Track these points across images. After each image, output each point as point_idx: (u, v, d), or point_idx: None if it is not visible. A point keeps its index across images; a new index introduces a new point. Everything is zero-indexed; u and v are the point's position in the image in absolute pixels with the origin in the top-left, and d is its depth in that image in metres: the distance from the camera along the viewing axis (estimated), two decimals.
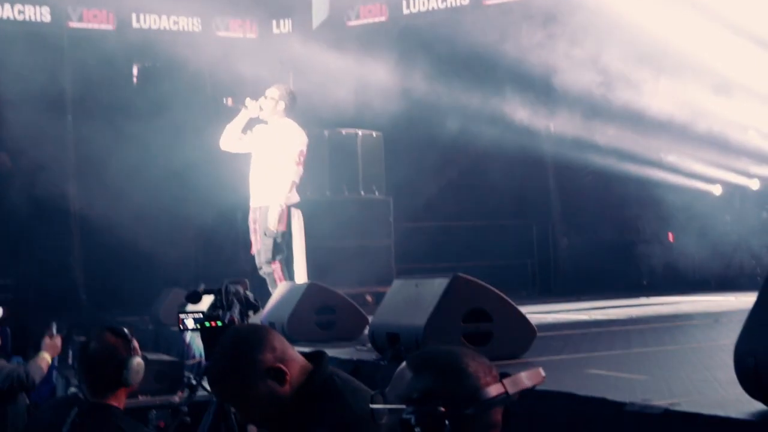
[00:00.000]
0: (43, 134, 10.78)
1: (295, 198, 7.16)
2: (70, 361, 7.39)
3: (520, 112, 11.42)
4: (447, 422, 1.70)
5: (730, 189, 12.70)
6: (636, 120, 11.13)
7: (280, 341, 2.57)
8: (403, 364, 1.85)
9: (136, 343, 3.60)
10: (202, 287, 3.99)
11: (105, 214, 10.39)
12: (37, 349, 5.84)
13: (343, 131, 11.20)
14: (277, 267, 6.99)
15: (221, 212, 10.67)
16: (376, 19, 13.90)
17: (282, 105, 7.10)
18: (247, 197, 7.32)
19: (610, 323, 6.45)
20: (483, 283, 4.26)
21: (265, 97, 7.12)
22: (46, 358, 5.68)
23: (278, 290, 6.44)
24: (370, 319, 5.85)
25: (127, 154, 10.72)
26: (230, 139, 7.24)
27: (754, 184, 12.36)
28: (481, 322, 4.13)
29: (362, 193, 11.21)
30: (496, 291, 4.25)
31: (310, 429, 2.45)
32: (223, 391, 2.59)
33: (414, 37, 12.76)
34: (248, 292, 3.93)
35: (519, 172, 12.60)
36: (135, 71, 13.11)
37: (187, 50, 11.93)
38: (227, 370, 2.51)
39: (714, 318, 6.35)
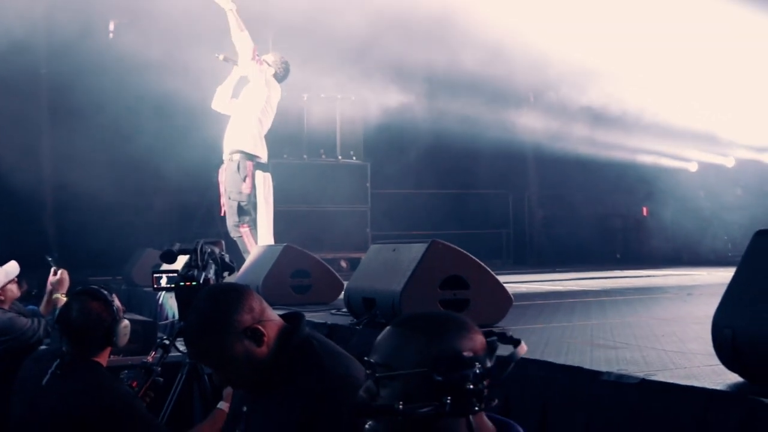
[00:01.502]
0: (15, 89, 10.58)
1: (262, 156, 7.13)
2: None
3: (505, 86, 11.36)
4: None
5: (706, 166, 12.79)
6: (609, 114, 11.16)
7: (258, 301, 2.54)
8: (401, 329, 1.78)
9: (118, 303, 3.58)
10: (177, 246, 3.95)
11: (78, 174, 10.25)
12: None
13: (323, 95, 11.11)
14: (246, 230, 6.95)
15: (196, 172, 10.56)
16: None
17: (272, 71, 7.21)
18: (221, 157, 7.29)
19: (584, 294, 6.49)
20: (460, 249, 4.24)
21: (260, 62, 7.18)
22: (61, 298, 5.45)
23: (253, 252, 6.40)
24: (345, 283, 5.84)
25: (101, 113, 10.57)
26: (222, 100, 7.33)
27: (729, 162, 12.46)
28: (458, 289, 4.11)
29: (340, 157, 11.15)
30: (474, 258, 4.23)
31: (287, 390, 2.42)
32: (199, 351, 2.55)
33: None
34: (224, 253, 3.88)
35: (498, 142, 12.56)
36: (111, 27, 12.87)
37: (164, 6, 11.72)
38: (204, 330, 2.47)
39: (687, 291, 6.40)
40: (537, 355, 3.13)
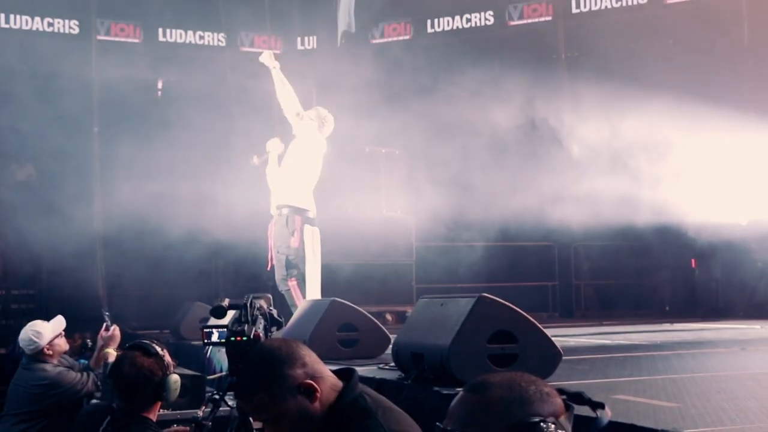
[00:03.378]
0: (69, 146, 10.85)
1: (311, 211, 7.22)
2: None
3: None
4: None
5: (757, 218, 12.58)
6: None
7: (310, 356, 2.54)
8: (477, 395, 1.69)
9: (168, 358, 3.60)
10: (227, 301, 3.98)
11: (127, 229, 10.42)
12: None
13: (367, 148, 11.21)
14: (293, 284, 7.03)
15: (242, 227, 10.68)
16: (401, 38, 13.97)
17: (315, 125, 7.33)
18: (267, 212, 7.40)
19: (634, 348, 6.38)
20: (508, 303, 4.22)
21: (300, 117, 7.31)
22: (111, 353, 5.53)
23: (300, 307, 6.43)
24: (391, 337, 5.83)
25: (149, 168, 10.77)
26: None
27: None
28: (507, 344, 4.08)
29: (384, 211, 11.20)
30: (522, 312, 4.20)
31: None
32: (252, 406, 2.55)
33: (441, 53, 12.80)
34: (272, 308, 3.91)
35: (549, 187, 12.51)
36: (159, 84, 13.22)
37: (211, 65, 12.02)
38: (257, 385, 2.47)
39: (740, 346, 6.27)
40: (589, 412, 3.08)
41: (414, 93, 11.54)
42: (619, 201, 11.99)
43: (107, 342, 5.60)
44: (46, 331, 5.64)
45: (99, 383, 5.51)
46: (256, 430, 3.74)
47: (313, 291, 7.14)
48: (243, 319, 3.97)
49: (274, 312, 4.06)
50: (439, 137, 11.62)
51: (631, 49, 12.53)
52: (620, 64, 12.07)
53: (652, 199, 11.80)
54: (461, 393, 1.72)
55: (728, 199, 11.53)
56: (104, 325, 5.59)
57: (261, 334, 3.91)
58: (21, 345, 5.60)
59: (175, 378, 3.55)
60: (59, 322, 5.74)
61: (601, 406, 1.70)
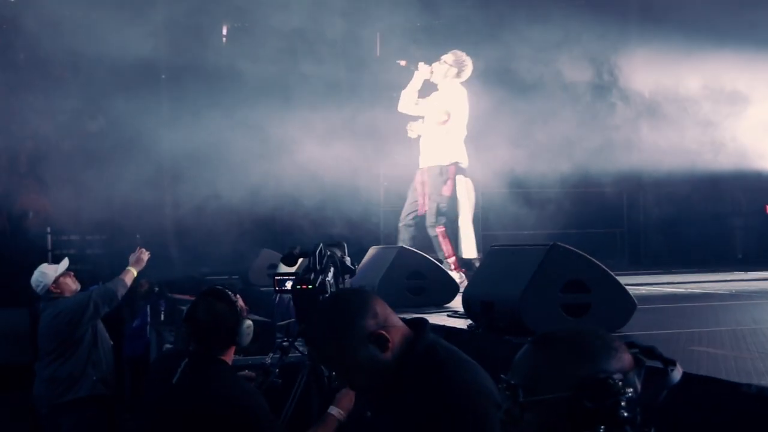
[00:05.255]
0: (138, 98, 10.95)
1: (463, 161, 7.30)
2: (162, 317, 7.59)
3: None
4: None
5: None
6: None
7: (382, 307, 2.53)
8: (544, 349, 1.68)
9: (242, 303, 3.66)
10: (297, 249, 3.99)
11: (198, 171, 10.53)
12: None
13: None
14: (441, 231, 7.12)
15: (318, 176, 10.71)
16: None
17: (454, 71, 7.34)
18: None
19: (708, 297, 6.23)
20: (582, 252, 4.14)
21: (439, 62, 7.39)
22: (132, 271, 6.47)
23: (368, 254, 6.43)
24: (460, 285, 5.80)
25: (218, 112, 10.81)
26: (407, 102, 7.56)
27: None
28: (580, 293, 4.01)
29: None
30: (595, 261, 4.12)
31: (411, 396, 2.40)
32: (324, 355, 2.56)
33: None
34: (346, 256, 3.90)
35: (615, 137, 12.26)
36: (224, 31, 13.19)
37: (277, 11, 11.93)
38: (328, 335, 2.47)
39: None
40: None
41: (477, 38, 11.31)
42: (689, 147, 11.68)
43: (132, 262, 6.44)
44: (50, 271, 6.39)
45: (110, 298, 6.01)
46: (326, 376, 3.78)
47: (467, 241, 7.20)
48: (311, 267, 3.98)
49: (348, 260, 4.06)
50: (504, 84, 11.41)
51: None
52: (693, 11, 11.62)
53: (723, 144, 11.48)
54: (526, 346, 1.70)
55: None
56: (138, 248, 6.17)
57: (330, 282, 3.92)
58: (33, 288, 6.15)
59: (248, 323, 3.62)
60: (63, 263, 6.51)
61: (673, 362, 1.65)
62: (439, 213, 7.10)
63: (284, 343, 4.25)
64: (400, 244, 7.05)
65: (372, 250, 6.58)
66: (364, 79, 11.96)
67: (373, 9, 10.88)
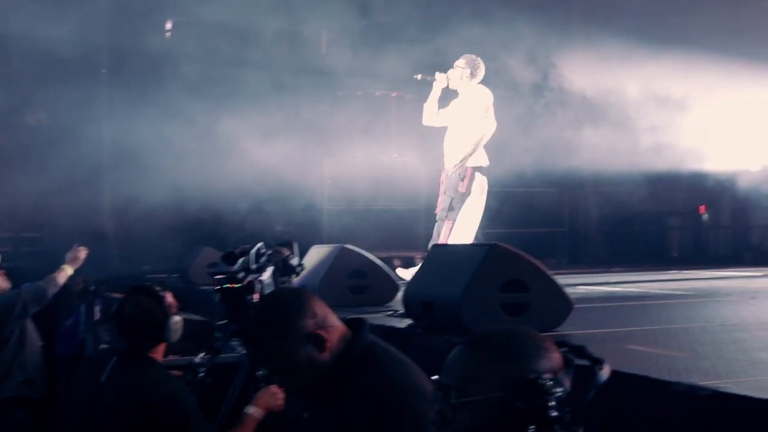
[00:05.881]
0: (77, 90, 10.74)
1: (483, 162, 7.43)
2: (97, 316, 7.45)
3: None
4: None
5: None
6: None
7: (320, 306, 2.52)
8: (476, 349, 1.69)
9: (171, 299, 3.62)
10: (240, 248, 3.96)
11: (139, 167, 10.36)
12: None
13: (377, 92, 11.10)
14: (449, 224, 7.30)
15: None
16: None
17: (467, 72, 7.46)
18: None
19: (644, 297, 6.36)
20: (521, 252, 4.19)
21: (453, 67, 7.54)
22: (66, 270, 6.34)
23: (310, 253, 6.41)
24: (400, 284, 5.82)
25: (161, 107, 10.66)
26: (429, 114, 7.71)
27: None
28: (518, 293, 4.06)
29: (394, 156, 11.14)
30: (534, 261, 4.17)
31: (349, 396, 2.40)
32: (260, 355, 2.54)
33: None
34: (294, 257, 3.88)
35: (560, 134, 12.42)
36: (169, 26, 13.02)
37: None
38: (265, 335, 2.46)
39: (750, 295, 6.24)
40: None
41: (425, 36, 11.35)
42: (628, 149, 11.90)
43: (68, 260, 6.33)
44: None
45: (40, 297, 5.91)
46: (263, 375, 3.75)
47: (470, 234, 7.35)
48: (245, 267, 3.96)
49: (294, 260, 4.04)
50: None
51: None
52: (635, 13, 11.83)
53: (661, 146, 11.71)
54: (458, 346, 1.71)
55: (737, 146, 11.46)
56: (74, 247, 6.11)
57: (264, 283, 3.90)
58: None
59: (176, 319, 3.56)
60: None
61: (601, 362, 1.68)
62: (450, 209, 7.31)
63: (216, 343, 4.21)
64: (433, 240, 7.29)
65: (314, 249, 6.56)
66: (308, 76, 11.92)
67: (318, 6, 10.85)
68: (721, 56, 10.21)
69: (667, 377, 2.75)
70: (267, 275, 3.94)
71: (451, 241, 7.12)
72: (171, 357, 4.54)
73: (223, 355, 4.17)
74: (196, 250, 8.79)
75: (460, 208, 7.29)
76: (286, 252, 3.93)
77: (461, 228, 7.34)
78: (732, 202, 13.24)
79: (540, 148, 11.19)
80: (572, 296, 4.30)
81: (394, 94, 11.21)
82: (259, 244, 3.94)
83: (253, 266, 3.86)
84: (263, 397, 3.36)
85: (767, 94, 10.36)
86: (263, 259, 3.86)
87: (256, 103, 10.99)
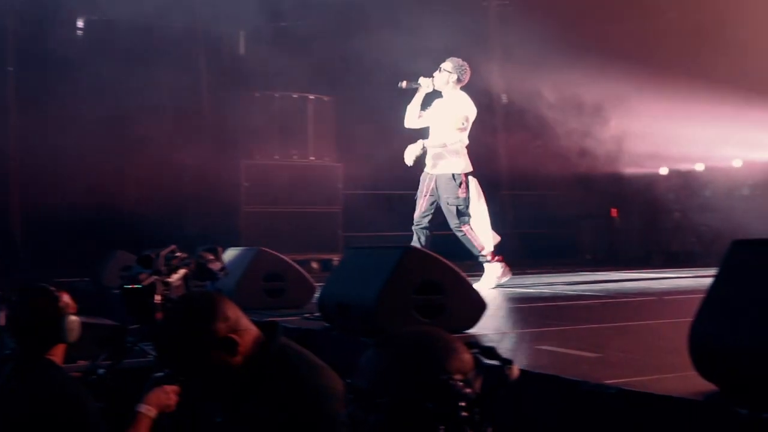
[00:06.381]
0: None
1: (470, 166, 7.53)
2: (2, 322, 7.20)
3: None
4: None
5: (675, 170, 12.94)
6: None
7: (233, 310, 2.50)
8: (387, 352, 1.70)
9: (67, 299, 3.50)
10: (156, 252, 3.90)
11: (49, 169, 10.08)
12: None
13: (295, 95, 11.05)
14: (467, 229, 7.38)
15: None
16: None
17: (454, 77, 7.46)
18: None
19: (557, 298, 6.49)
20: (435, 255, 4.22)
21: (440, 70, 7.52)
22: None
23: (226, 255, 6.32)
24: (318, 286, 5.81)
25: (71, 108, 10.40)
26: (411, 117, 7.67)
27: (700, 166, 12.60)
28: (433, 295, 4.09)
29: (312, 158, 11.11)
30: (448, 263, 4.21)
31: (262, 400, 2.39)
32: (172, 359, 2.51)
33: None
34: (216, 261, 3.83)
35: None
36: (80, 24, 12.71)
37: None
38: (177, 340, 2.43)
39: (658, 295, 6.44)
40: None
41: (341, 38, 11.36)
42: (543, 152, 12.14)
43: None
44: None
45: None
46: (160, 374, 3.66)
47: (485, 231, 7.49)
48: (154, 269, 3.90)
49: (216, 265, 3.99)
50: (369, 84, 11.52)
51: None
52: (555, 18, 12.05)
53: (575, 151, 11.99)
54: (370, 349, 1.71)
55: (648, 149, 11.80)
56: None
57: (172, 285, 3.85)
58: None
59: (72, 319, 3.45)
60: None
61: (510, 362, 1.71)
62: (460, 214, 7.39)
63: (127, 346, 4.13)
64: (413, 244, 7.36)
65: (230, 252, 6.49)
66: (226, 77, 11.80)
67: (234, 8, 10.75)
68: (634, 65, 10.50)
69: (576, 377, 2.81)
70: (176, 278, 3.88)
71: (479, 243, 7.37)
72: (81, 363, 4.44)
73: (134, 360, 4.09)
74: (110, 253, 8.58)
75: (467, 212, 7.43)
76: (209, 257, 3.88)
77: (479, 231, 7.49)
78: (642, 205, 13.62)
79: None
80: (487, 297, 4.36)
81: (312, 97, 11.19)
82: (172, 247, 3.88)
83: (162, 268, 3.80)
84: (155, 395, 3.27)
85: (675, 103, 10.70)
86: (174, 262, 3.80)
87: (171, 103, 10.81)
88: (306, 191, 10.98)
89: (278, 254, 5.87)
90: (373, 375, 1.67)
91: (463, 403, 1.60)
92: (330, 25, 11.24)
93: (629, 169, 12.76)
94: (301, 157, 11.13)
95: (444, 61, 7.56)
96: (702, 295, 2.56)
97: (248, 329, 2.48)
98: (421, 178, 7.63)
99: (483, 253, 7.39)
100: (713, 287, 2.55)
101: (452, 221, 7.44)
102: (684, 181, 12.79)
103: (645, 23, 11.71)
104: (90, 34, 11.88)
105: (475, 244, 7.36)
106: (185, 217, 10.87)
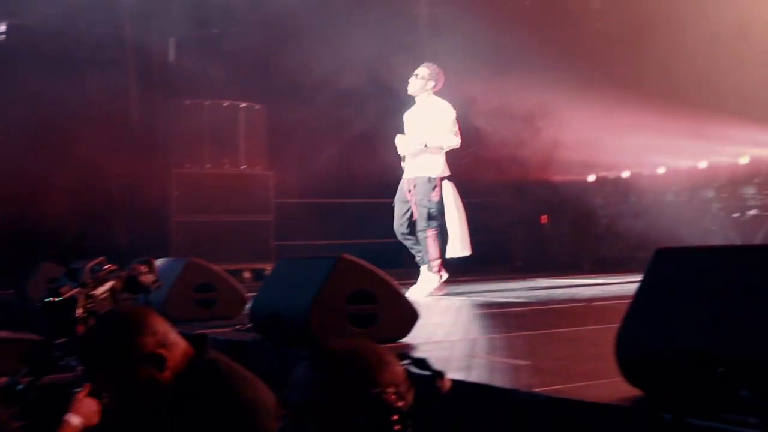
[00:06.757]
0: None
1: (447, 170, 7.62)
2: None
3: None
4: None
5: (602, 176, 13.19)
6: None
7: (161, 324, 2.46)
8: (319, 366, 1.70)
9: None
10: (82, 263, 3.81)
11: None
12: None
13: (226, 103, 10.95)
14: (432, 234, 7.45)
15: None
16: None
17: (431, 84, 7.58)
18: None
19: (490, 305, 6.55)
20: (368, 265, 4.22)
21: (415, 76, 7.61)
22: None
23: (156, 266, 6.23)
24: (250, 297, 5.75)
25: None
26: (401, 143, 7.67)
27: (626, 173, 12.87)
28: (366, 304, 4.09)
29: (243, 167, 11.02)
30: (381, 273, 4.22)
31: (192, 416, 2.35)
32: (98, 374, 2.46)
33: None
34: (149, 274, 3.75)
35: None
36: (2, 28, 12.39)
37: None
38: (103, 355, 2.38)
39: (587, 301, 6.54)
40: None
41: (277, 46, 11.29)
42: (474, 160, 12.25)
43: None
44: None
45: None
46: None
47: (456, 243, 7.57)
48: (78, 282, 3.81)
49: (148, 278, 3.91)
50: (301, 92, 11.49)
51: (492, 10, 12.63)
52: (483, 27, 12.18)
53: (505, 158, 12.14)
54: (302, 363, 1.71)
55: (577, 157, 12.01)
56: None
57: (96, 298, 3.76)
58: None
59: None
60: None
61: (441, 373, 1.72)
62: (429, 217, 7.43)
63: (51, 361, 4.01)
64: (424, 251, 7.51)
65: (160, 262, 6.38)
66: (155, 84, 11.63)
67: (164, 15, 10.61)
68: (564, 74, 10.68)
69: (508, 385, 2.84)
70: (102, 291, 3.80)
71: (436, 252, 7.44)
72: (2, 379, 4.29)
73: (59, 375, 3.98)
74: (35, 265, 8.35)
75: (436, 217, 7.47)
76: (142, 269, 3.80)
77: (452, 236, 7.59)
78: (572, 211, 13.85)
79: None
80: (419, 306, 4.37)
81: (243, 105, 11.10)
82: (100, 259, 3.79)
83: (88, 281, 3.71)
84: (83, 405, 3.18)
85: (603, 112, 10.92)
86: (101, 274, 3.72)
87: (99, 111, 10.60)
88: (237, 200, 10.89)
89: (209, 264, 5.80)
90: (305, 390, 1.66)
91: (395, 417, 1.60)
92: (260, 34, 11.18)
93: (559, 177, 12.98)
94: (232, 165, 11.03)
95: (418, 67, 7.68)
96: (628, 302, 2.61)
97: (177, 343, 2.45)
98: (400, 185, 7.74)
99: (433, 264, 7.44)
100: (638, 294, 2.61)
101: (421, 223, 7.51)
102: (611, 188, 13.06)
103: (574, 33, 11.93)
104: (13, 39, 11.58)
105: (431, 251, 7.42)
106: (114, 227, 10.67)
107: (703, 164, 11.50)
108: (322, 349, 1.75)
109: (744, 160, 10.94)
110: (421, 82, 7.57)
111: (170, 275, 5.72)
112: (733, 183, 11.09)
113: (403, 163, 7.74)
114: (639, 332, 2.53)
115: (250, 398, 2.35)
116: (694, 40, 10.90)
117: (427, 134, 7.52)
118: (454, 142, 7.59)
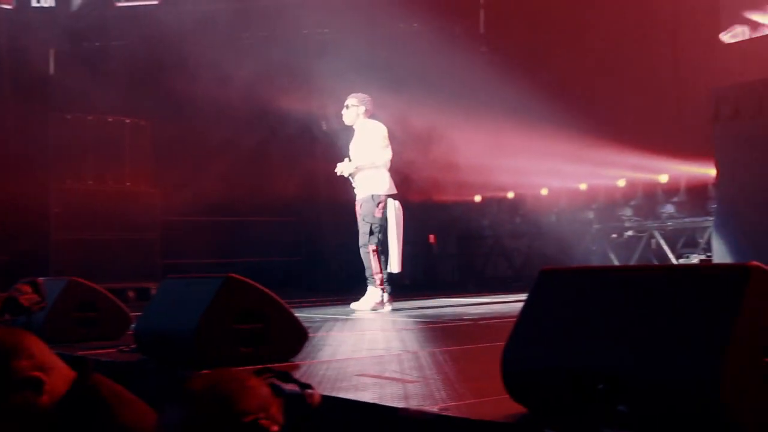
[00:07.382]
0: None
1: (393, 189, 7.96)
2: None
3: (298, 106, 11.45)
4: None
5: (488, 197, 13.50)
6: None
7: (39, 346, 2.36)
8: (184, 404, 1.68)
9: None
10: None
11: None
12: None
13: (110, 118, 10.69)
14: (373, 249, 7.75)
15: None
16: (147, 2, 13.36)
17: (362, 109, 8.02)
18: None
19: (373, 323, 6.58)
20: (256, 284, 4.18)
21: (346, 107, 8.04)
22: None
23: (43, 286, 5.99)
24: (134, 316, 5.60)
25: None
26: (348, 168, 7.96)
27: (511, 194, 13.21)
28: (254, 324, 4.05)
29: (128, 184, 10.76)
30: (269, 292, 4.18)
31: None
32: None
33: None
34: (30, 294, 3.60)
35: (295, 166, 12.60)
36: None
37: None
38: None
39: (473, 320, 6.66)
40: (329, 392, 3.12)
41: (162, 63, 11.10)
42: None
43: None
44: None
45: None
46: None
47: (394, 261, 7.84)
48: None
49: (30, 299, 3.77)
50: (186, 110, 11.33)
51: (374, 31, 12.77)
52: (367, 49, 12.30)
53: (395, 178, 12.27)
54: (167, 405, 1.68)
55: (464, 178, 12.27)
56: None
57: None
58: None
59: None
60: None
61: (309, 386, 1.73)
62: (371, 233, 7.72)
63: None
64: (367, 267, 7.79)
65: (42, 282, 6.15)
66: (34, 96, 11.24)
67: (44, 28, 10.30)
68: (453, 97, 10.91)
69: (396, 403, 2.85)
70: None
71: (377, 266, 7.73)
72: None
73: None
74: None
75: (379, 233, 7.75)
76: (25, 289, 3.65)
77: (391, 252, 7.87)
78: (458, 231, 14.11)
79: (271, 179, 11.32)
80: (310, 325, 4.36)
81: (128, 120, 10.85)
82: None
83: None
84: None
85: (489, 135, 11.21)
86: None
87: None
88: (122, 217, 10.62)
89: (91, 284, 5.61)
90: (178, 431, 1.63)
91: None
92: (146, 50, 10.99)
93: (446, 197, 13.21)
94: (116, 182, 10.75)
95: (348, 98, 8.04)
96: (514, 320, 2.67)
97: (56, 367, 2.35)
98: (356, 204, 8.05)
99: (375, 278, 7.73)
100: (523, 313, 2.67)
101: (362, 239, 7.81)
102: (497, 208, 13.38)
103: (462, 56, 12.20)
104: None
105: (373, 266, 7.71)
106: None
107: (583, 186, 11.91)
108: (185, 388, 1.73)
109: (621, 183, 11.40)
110: (353, 110, 8.01)
111: (50, 295, 5.50)
112: (611, 205, 11.53)
113: (353, 186, 8.07)
114: (523, 350, 2.60)
115: (133, 422, 2.28)
116: (578, 69, 11.33)
117: (360, 156, 7.89)
118: (385, 156, 7.90)
